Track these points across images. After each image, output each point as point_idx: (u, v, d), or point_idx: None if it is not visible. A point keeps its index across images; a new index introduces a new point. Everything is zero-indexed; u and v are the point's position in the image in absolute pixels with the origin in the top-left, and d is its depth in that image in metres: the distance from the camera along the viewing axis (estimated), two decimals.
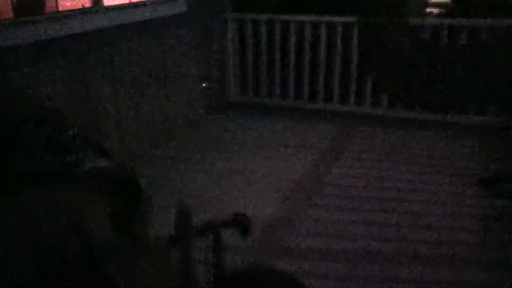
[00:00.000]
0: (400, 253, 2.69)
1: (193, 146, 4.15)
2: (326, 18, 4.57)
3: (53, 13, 3.00)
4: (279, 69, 4.82)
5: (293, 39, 4.69)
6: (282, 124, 4.64)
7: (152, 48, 3.71)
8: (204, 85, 4.44)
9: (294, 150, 4.08)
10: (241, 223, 1.62)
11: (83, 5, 3.91)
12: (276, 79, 4.86)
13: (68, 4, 3.70)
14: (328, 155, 3.99)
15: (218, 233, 1.66)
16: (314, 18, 4.61)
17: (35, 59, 2.71)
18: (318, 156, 3.95)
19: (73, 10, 3.08)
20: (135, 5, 3.52)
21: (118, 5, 3.37)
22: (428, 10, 6.32)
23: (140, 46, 3.54)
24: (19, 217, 1.34)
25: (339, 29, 4.56)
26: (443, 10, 6.08)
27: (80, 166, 1.49)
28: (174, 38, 3.95)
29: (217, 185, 3.45)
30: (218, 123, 4.69)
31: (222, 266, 1.71)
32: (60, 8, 3.54)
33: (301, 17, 4.66)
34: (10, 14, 3.15)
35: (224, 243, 1.62)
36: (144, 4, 3.60)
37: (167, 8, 3.87)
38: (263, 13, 4.73)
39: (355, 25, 4.50)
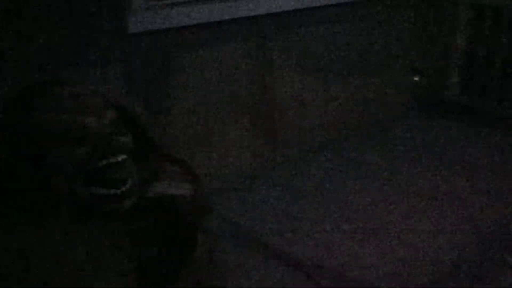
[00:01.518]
0: None
1: (384, 150, 3.52)
2: None
3: None
4: None
5: None
6: (508, 143, 3.65)
7: (351, 31, 3.25)
8: (416, 79, 3.82)
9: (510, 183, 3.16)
10: None
11: None
12: None
13: None
14: None
15: None
16: None
17: (207, 41, 2.59)
18: None
19: None
20: None
21: None
22: None
23: (334, 29, 3.14)
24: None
25: None
26: None
27: (124, 199, 1.26)
28: (379, 21, 3.40)
29: (396, 205, 2.88)
30: (424, 127, 3.90)
31: None
32: None
33: None
34: None
35: None
36: None
37: None
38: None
39: None
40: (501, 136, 3.73)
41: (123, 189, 1.14)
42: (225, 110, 2.74)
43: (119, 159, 1.15)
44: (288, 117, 3.08)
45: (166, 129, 2.48)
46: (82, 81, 2.23)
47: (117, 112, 1.24)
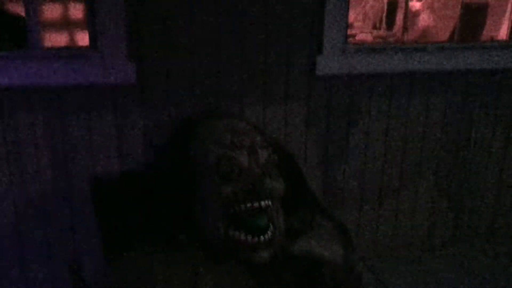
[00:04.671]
0: None
1: None
2: None
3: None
4: None
5: None
6: None
7: None
8: None
9: None
10: None
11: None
12: None
13: None
14: None
15: None
16: None
17: (396, 92, 2.40)
18: None
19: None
20: None
21: None
22: None
23: None
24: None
25: None
26: None
27: (261, 249, 1.11)
28: None
29: None
30: None
31: None
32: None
33: None
34: None
35: None
36: None
37: None
38: None
39: None
40: None
41: (261, 239, 1.03)
42: (407, 169, 2.50)
43: (263, 204, 1.05)
44: (483, 188, 2.69)
45: (339, 175, 2.36)
46: (262, 116, 2.28)
47: (273, 154, 1.15)
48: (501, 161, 2.69)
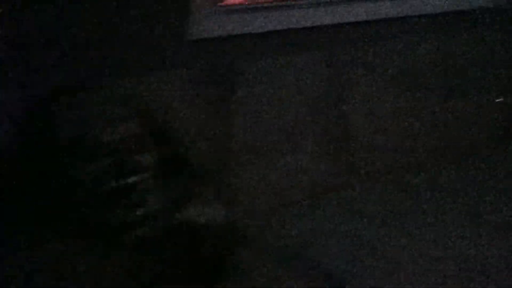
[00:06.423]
0: None
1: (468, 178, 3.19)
2: None
3: None
4: None
5: None
6: None
7: (440, 48, 2.98)
8: (499, 100, 3.39)
9: None
10: None
11: None
12: None
13: None
14: None
15: None
16: None
17: (271, 51, 2.43)
18: None
19: None
20: None
21: None
22: None
23: (419, 45, 2.88)
24: None
25: None
26: None
27: (137, 226, 1.10)
28: (472, 38, 3.10)
29: None
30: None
31: None
32: None
33: None
34: None
35: None
36: None
37: None
38: None
39: None
40: None
41: (135, 215, 1.01)
42: (291, 122, 2.57)
43: (135, 179, 1.01)
44: (363, 137, 2.85)
45: (222, 138, 2.37)
46: (138, 86, 2.20)
47: (143, 125, 1.11)
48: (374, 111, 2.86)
